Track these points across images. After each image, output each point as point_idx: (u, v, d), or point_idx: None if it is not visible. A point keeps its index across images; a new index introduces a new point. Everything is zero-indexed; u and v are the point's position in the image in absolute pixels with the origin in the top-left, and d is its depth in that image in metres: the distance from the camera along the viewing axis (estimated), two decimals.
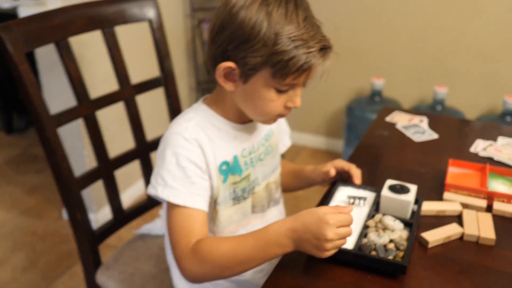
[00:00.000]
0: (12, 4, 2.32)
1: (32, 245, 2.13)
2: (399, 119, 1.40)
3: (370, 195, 1.03)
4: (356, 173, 1.06)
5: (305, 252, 0.81)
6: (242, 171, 0.99)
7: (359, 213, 0.97)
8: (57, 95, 1.93)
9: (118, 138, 1.93)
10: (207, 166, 0.93)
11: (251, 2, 0.83)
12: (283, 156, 1.22)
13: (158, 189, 0.90)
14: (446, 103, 2.44)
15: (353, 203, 0.99)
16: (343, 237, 0.79)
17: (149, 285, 1.18)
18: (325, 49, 0.85)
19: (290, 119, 2.92)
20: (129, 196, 2.34)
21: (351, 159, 1.20)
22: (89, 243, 1.22)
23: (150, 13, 1.33)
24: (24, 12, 1.77)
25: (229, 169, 0.97)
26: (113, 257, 1.27)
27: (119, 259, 1.26)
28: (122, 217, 1.32)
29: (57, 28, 1.12)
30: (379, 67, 2.62)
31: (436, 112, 2.40)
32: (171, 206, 0.90)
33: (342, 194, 1.04)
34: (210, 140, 0.94)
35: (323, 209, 0.80)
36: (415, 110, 1.45)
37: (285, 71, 0.83)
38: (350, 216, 0.80)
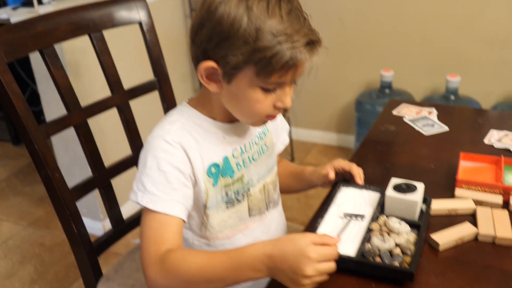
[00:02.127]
0: (9, 15, 2.30)
1: (41, 257, 2.10)
2: (407, 112, 1.32)
3: (374, 196, 0.96)
4: (358, 173, 1.00)
5: (279, 281, 0.74)
6: (234, 173, 0.94)
7: (358, 228, 0.88)
8: (56, 103, 1.88)
9: (116, 146, 1.88)
10: (193, 170, 0.88)
11: None
12: (293, 156, 1.16)
13: (138, 195, 0.85)
14: (459, 92, 2.35)
15: (349, 222, 0.90)
16: (324, 273, 0.72)
17: None
18: (312, 43, 0.78)
19: (299, 116, 2.88)
20: (131, 207, 2.29)
21: (356, 157, 1.14)
22: (88, 255, 1.18)
23: (140, 15, 1.28)
24: (14, 20, 1.74)
25: (219, 171, 0.92)
26: (113, 268, 1.24)
27: (119, 270, 1.23)
28: (122, 227, 1.28)
29: (40, 35, 1.07)
30: (387, 59, 2.53)
31: (450, 102, 2.31)
32: (148, 211, 0.85)
33: (345, 195, 0.97)
34: (197, 142, 0.89)
35: (306, 238, 0.72)
36: (425, 102, 1.37)
37: (269, 68, 0.77)
38: (335, 250, 0.73)
